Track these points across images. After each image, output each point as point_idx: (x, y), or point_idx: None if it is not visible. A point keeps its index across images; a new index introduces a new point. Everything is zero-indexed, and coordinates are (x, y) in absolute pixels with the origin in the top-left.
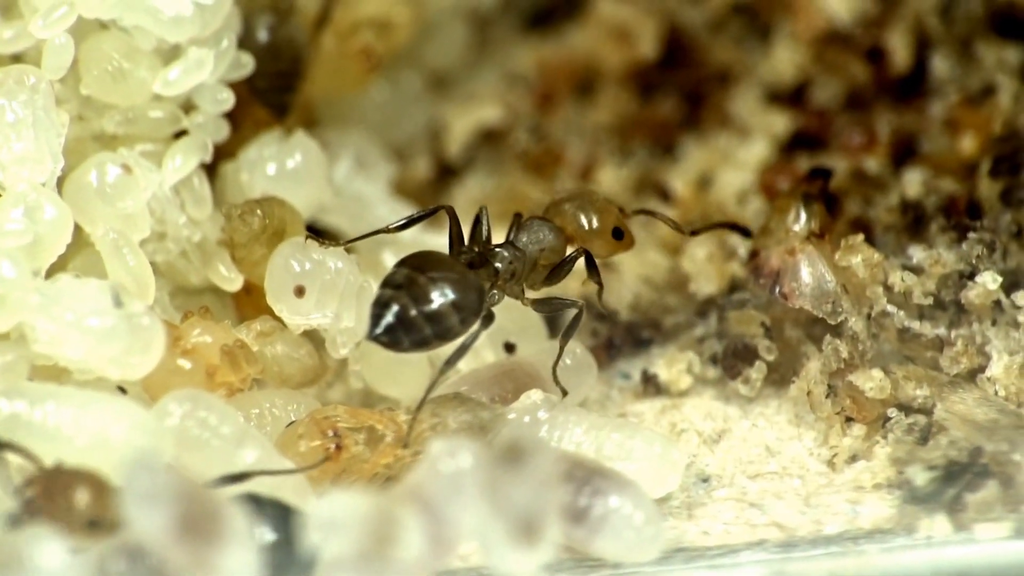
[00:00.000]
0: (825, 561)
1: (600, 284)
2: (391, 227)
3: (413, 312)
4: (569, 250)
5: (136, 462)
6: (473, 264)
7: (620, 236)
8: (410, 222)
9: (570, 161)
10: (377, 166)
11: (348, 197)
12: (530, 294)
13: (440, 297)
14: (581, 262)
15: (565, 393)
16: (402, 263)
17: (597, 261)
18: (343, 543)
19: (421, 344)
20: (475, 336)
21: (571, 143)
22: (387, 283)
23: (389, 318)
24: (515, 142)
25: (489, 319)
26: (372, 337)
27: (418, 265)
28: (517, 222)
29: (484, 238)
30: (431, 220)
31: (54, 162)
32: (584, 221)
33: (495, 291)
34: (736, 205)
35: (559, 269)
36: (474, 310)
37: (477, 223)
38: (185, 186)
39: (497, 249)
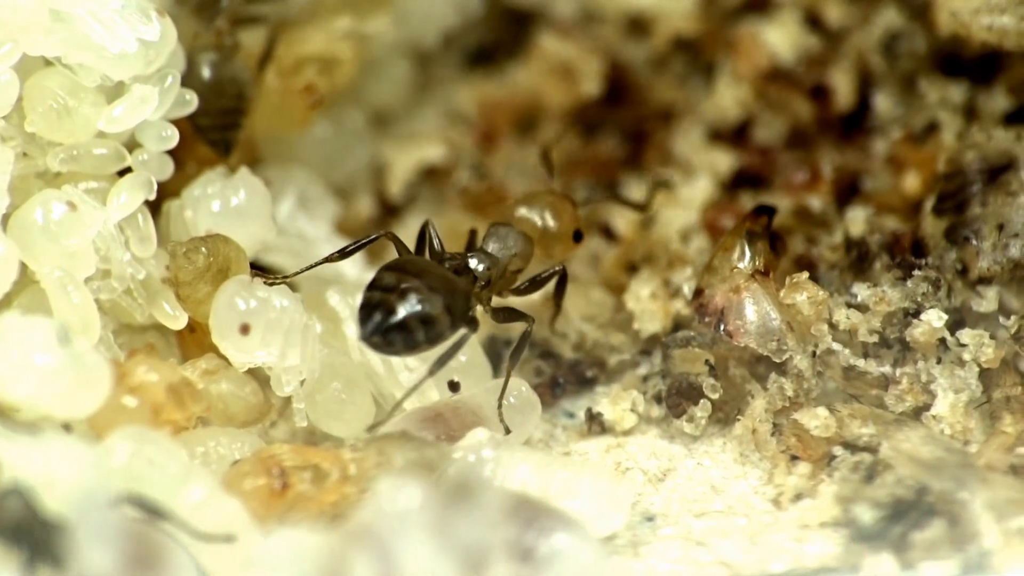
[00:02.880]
0: None
1: (559, 308)
2: (335, 255)
3: (409, 314)
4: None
5: (85, 500)
6: (457, 271)
7: (579, 239)
8: (353, 249)
9: (512, 198)
10: (320, 204)
11: (291, 235)
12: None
13: (426, 300)
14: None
15: (508, 431)
16: (385, 268)
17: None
18: None
19: (412, 347)
20: (464, 338)
21: (513, 181)
22: (378, 286)
23: (382, 321)
24: (457, 180)
25: (475, 323)
26: (363, 339)
27: (401, 269)
28: (473, 237)
29: (439, 249)
30: (375, 253)
31: None
32: (545, 224)
33: (472, 297)
34: (680, 243)
35: (536, 282)
36: (462, 314)
37: (423, 238)
38: (129, 224)
39: (474, 256)
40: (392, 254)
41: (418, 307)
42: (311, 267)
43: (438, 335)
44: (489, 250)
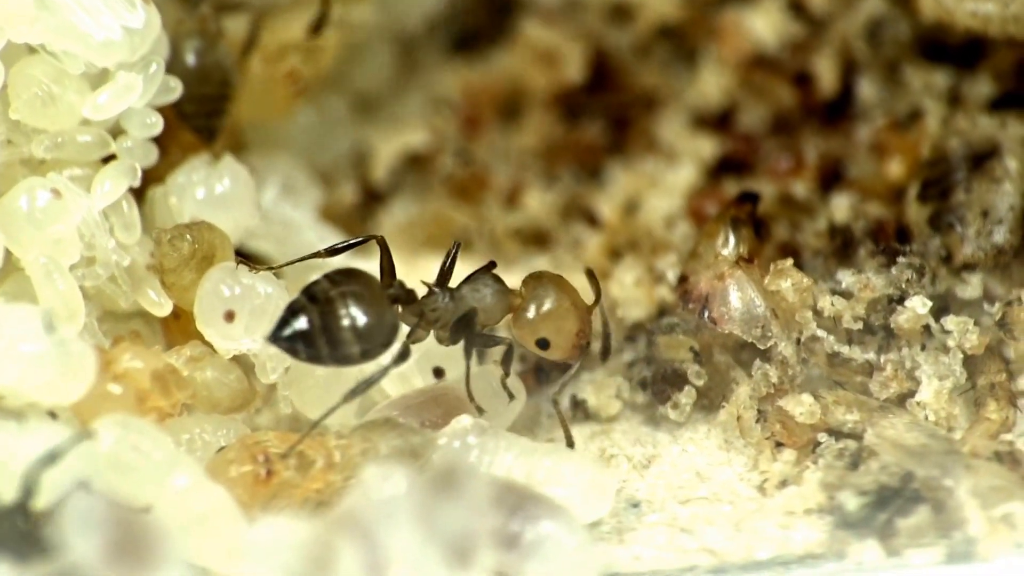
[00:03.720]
0: None
1: (507, 373)
2: (323, 252)
3: (316, 328)
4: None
5: (71, 487)
6: (398, 300)
7: (545, 348)
8: (341, 248)
9: (496, 185)
10: (304, 191)
11: (275, 222)
12: None
13: (345, 323)
14: None
15: (481, 411)
16: (328, 277)
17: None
18: (276, 570)
19: (316, 360)
20: (383, 372)
21: (497, 167)
22: (306, 291)
23: (292, 327)
24: (441, 166)
25: (403, 356)
26: (271, 338)
27: (341, 284)
28: (455, 252)
29: (443, 274)
30: (361, 248)
31: None
32: (537, 313)
33: (420, 330)
34: (664, 230)
35: (486, 339)
36: (379, 344)
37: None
38: (114, 211)
39: (431, 295)
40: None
41: (327, 326)
42: (297, 261)
43: (344, 357)
44: (456, 293)
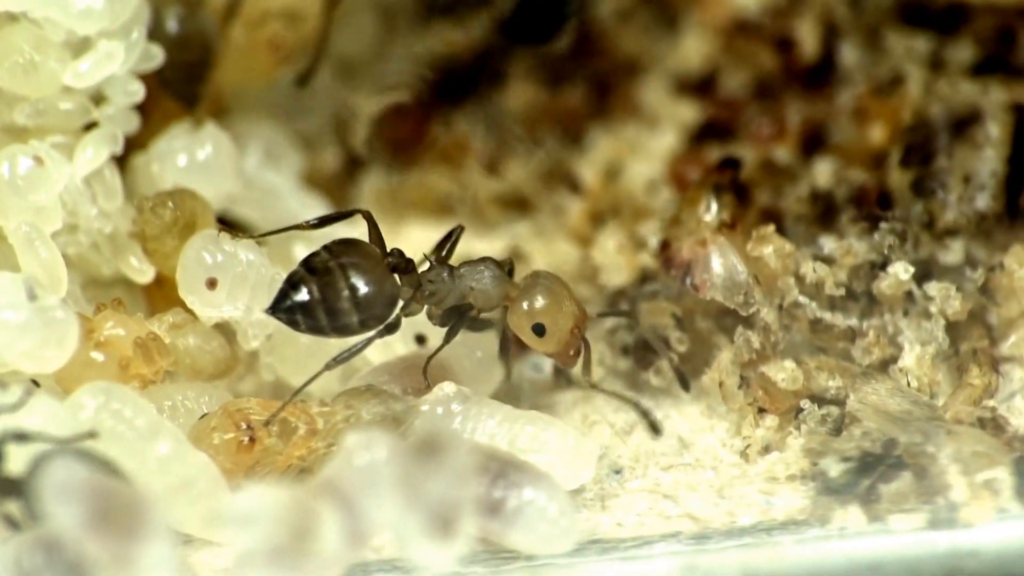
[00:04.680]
0: (739, 553)
1: (507, 358)
2: (307, 224)
3: (315, 299)
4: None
5: (53, 456)
6: (397, 269)
7: (541, 334)
8: (326, 221)
9: (478, 151)
10: (286, 157)
11: (257, 188)
12: None
13: (344, 295)
14: None
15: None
16: (328, 249)
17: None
18: (259, 537)
19: (316, 331)
20: (367, 342)
21: (479, 133)
22: (306, 262)
23: (292, 299)
24: (423, 132)
25: (392, 328)
26: (271, 310)
27: (340, 255)
28: (458, 235)
29: (444, 253)
30: (342, 208)
31: None
32: (534, 301)
33: (414, 303)
34: (646, 196)
35: (477, 323)
36: (377, 316)
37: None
38: (96, 178)
39: (432, 269)
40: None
41: (326, 296)
42: (280, 231)
43: (343, 327)
44: (456, 273)
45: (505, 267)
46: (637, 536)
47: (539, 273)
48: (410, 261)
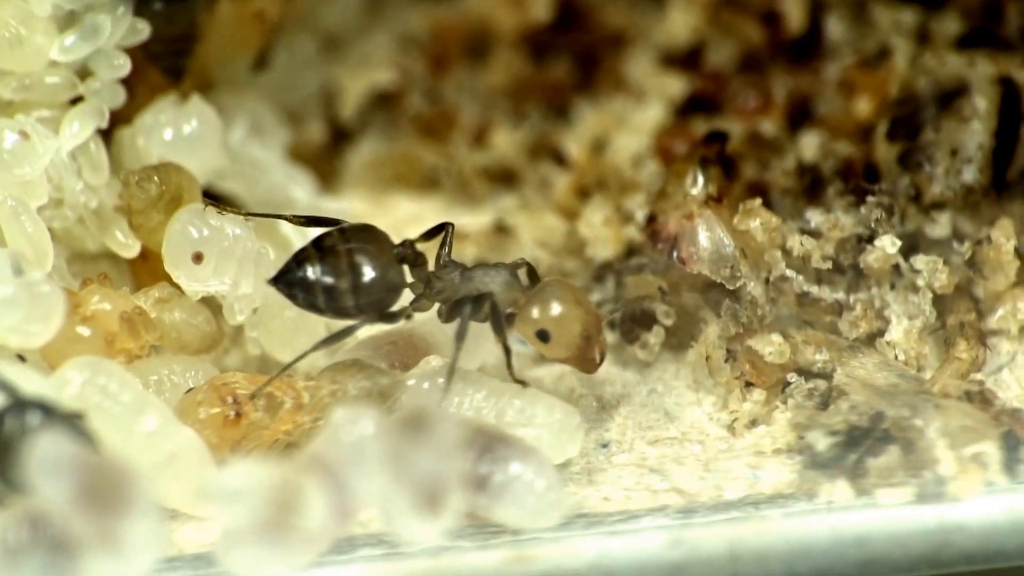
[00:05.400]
0: (726, 527)
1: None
2: (293, 218)
3: (317, 278)
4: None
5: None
6: (405, 260)
7: (545, 339)
8: (313, 221)
9: (464, 124)
10: (272, 131)
11: (243, 162)
12: None
13: (347, 279)
14: None
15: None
16: (342, 231)
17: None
18: (245, 512)
19: (312, 308)
20: (358, 325)
21: (465, 106)
22: (316, 240)
23: (295, 273)
24: (409, 105)
25: (391, 317)
26: (272, 280)
27: (350, 240)
28: (450, 234)
29: (446, 253)
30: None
31: None
32: (542, 305)
33: (424, 299)
34: (632, 169)
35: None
36: (375, 303)
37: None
38: (82, 152)
39: (443, 267)
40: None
41: (327, 277)
42: (267, 216)
43: (340, 310)
44: (469, 275)
45: (521, 271)
46: (624, 510)
47: (550, 280)
48: (420, 254)
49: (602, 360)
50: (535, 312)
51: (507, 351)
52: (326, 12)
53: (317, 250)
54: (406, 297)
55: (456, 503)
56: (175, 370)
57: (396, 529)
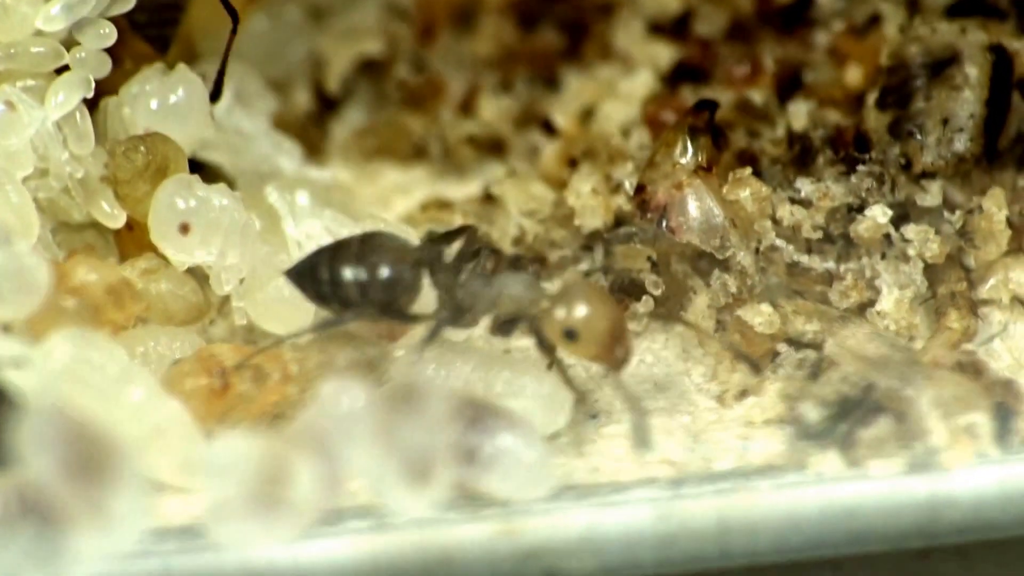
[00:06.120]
0: (715, 498)
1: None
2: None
3: (325, 277)
4: None
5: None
6: (421, 263)
7: (573, 338)
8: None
9: (451, 93)
10: (258, 100)
11: (229, 131)
12: None
13: (350, 277)
14: None
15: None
16: (362, 238)
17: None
18: (232, 484)
19: (319, 300)
20: (351, 318)
21: (452, 74)
22: (336, 244)
23: (307, 270)
24: (395, 74)
25: (401, 316)
26: (287, 272)
27: (367, 241)
28: (472, 235)
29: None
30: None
31: None
32: (562, 313)
33: (450, 306)
34: (621, 138)
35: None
36: (382, 305)
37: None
38: (67, 122)
39: (470, 278)
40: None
41: (337, 272)
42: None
43: (345, 301)
44: (488, 281)
45: (531, 271)
46: (613, 482)
47: (572, 280)
48: (440, 256)
49: (629, 357)
50: (561, 313)
51: (562, 369)
52: None
53: (333, 251)
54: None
55: (445, 475)
56: (161, 341)
57: (385, 501)
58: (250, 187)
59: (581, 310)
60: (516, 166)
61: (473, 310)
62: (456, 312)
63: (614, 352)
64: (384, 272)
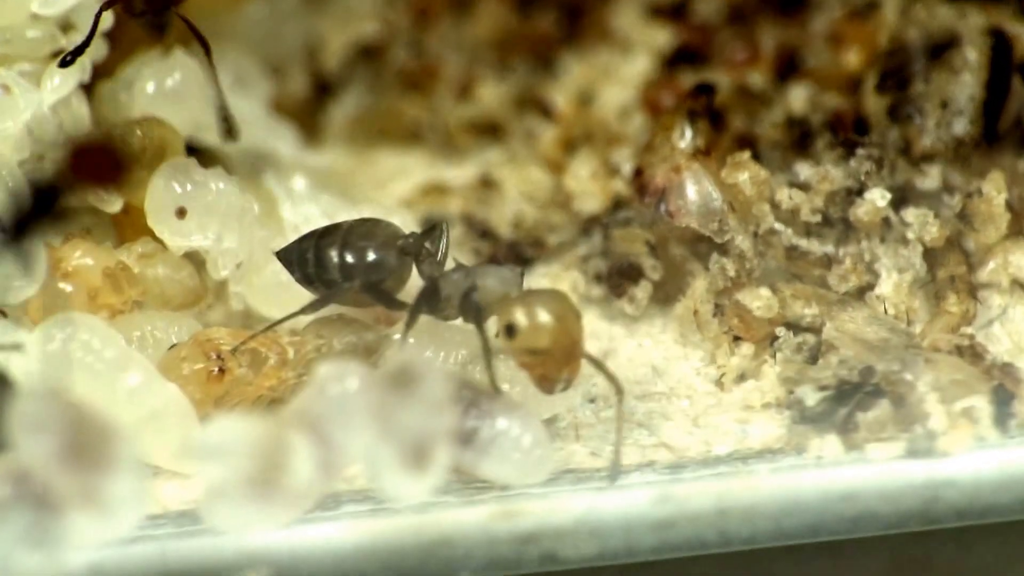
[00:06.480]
0: (714, 482)
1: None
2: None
3: (311, 257)
4: None
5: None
6: (406, 251)
7: (511, 335)
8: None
9: (448, 76)
10: (255, 84)
11: None
12: None
13: (336, 268)
14: None
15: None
16: (351, 224)
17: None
18: (229, 468)
19: (304, 281)
20: (343, 291)
21: (449, 58)
22: (325, 229)
23: (295, 251)
24: (393, 58)
25: (386, 299)
26: (277, 252)
27: (354, 233)
28: (442, 229)
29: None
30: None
31: None
32: (519, 310)
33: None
34: (619, 122)
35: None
36: (364, 285)
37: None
38: (63, 106)
39: (451, 271)
40: None
41: (321, 264)
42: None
43: (328, 283)
44: (472, 273)
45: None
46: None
47: (550, 289)
48: (424, 249)
49: (564, 388)
50: (513, 308)
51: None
52: None
53: (322, 236)
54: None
55: (442, 458)
56: (158, 326)
57: (382, 485)
58: (247, 171)
59: (535, 313)
60: (514, 150)
61: (451, 300)
62: (432, 300)
63: (545, 373)
64: (369, 256)
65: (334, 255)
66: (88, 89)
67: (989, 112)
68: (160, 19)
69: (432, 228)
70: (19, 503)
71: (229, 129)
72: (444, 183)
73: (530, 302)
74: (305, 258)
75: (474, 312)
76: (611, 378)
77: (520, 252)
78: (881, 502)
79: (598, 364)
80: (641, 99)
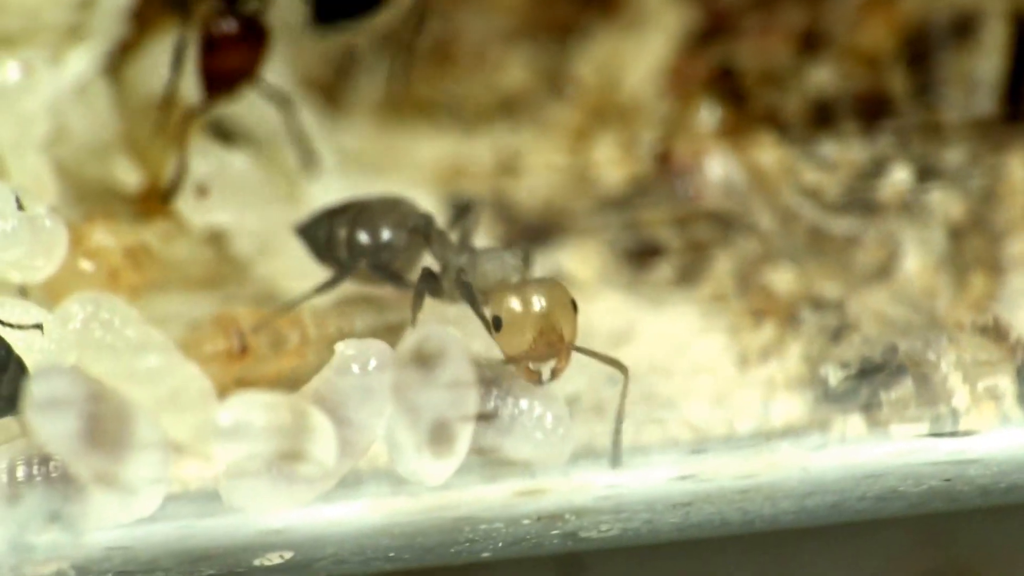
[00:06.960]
0: (737, 460)
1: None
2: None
3: (322, 236)
4: None
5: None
6: (417, 230)
7: (497, 327)
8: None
9: (472, 53)
10: (277, 58)
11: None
12: None
13: (342, 236)
14: None
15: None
16: (368, 201)
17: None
18: (250, 448)
19: (319, 259)
20: (352, 269)
21: (473, 34)
22: (341, 205)
23: (310, 225)
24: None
25: (395, 279)
26: (296, 228)
27: (368, 206)
28: (467, 210)
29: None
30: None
31: None
32: (507, 301)
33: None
34: (642, 100)
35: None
36: (373, 264)
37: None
38: (85, 85)
39: (462, 254)
40: None
41: (333, 238)
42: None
43: (340, 263)
44: (482, 256)
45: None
46: (634, 444)
47: (547, 279)
48: (437, 231)
49: (551, 379)
50: (500, 298)
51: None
52: None
53: (336, 212)
54: None
55: (464, 438)
56: (179, 305)
57: (404, 465)
58: (271, 148)
59: (516, 306)
60: (536, 129)
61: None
62: (434, 282)
63: (532, 363)
64: (377, 236)
65: (343, 233)
66: (110, 68)
67: (1013, 89)
68: None
69: (464, 208)
70: (41, 482)
71: (309, 161)
72: (467, 159)
73: (519, 293)
74: (317, 235)
75: (467, 294)
76: (611, 362)
77: (543, 230)
78: (905, 480)
79: (592, 354)
80: (664, 78)
